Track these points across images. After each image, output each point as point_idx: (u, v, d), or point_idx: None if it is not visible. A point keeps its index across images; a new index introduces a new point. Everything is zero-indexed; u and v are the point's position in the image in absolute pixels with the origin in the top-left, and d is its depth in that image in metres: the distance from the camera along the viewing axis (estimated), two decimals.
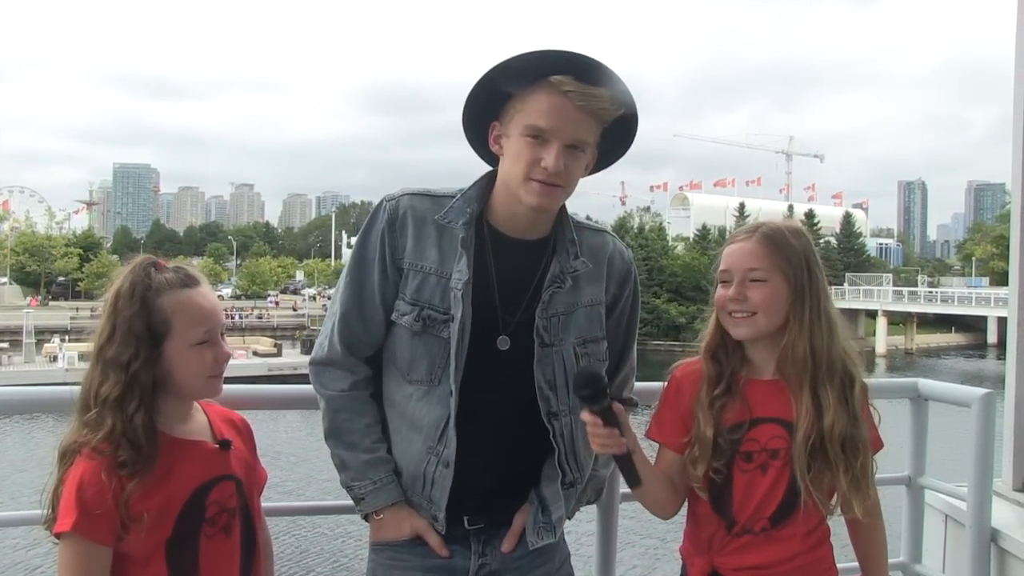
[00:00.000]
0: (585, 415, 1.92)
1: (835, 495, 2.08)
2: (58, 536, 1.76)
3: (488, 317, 2.01)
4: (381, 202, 2.09)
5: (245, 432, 2.07)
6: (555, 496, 2.07)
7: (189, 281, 1.90)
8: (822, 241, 73.88)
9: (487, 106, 2.00)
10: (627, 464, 1.99)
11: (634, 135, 2.08)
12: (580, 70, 1.91)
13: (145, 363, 1.81)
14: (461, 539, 2.05)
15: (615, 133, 2.04)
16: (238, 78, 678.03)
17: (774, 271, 2.08)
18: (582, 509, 2.29)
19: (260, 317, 63.00)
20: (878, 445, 2.18)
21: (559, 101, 1.90)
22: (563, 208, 2.09)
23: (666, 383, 2.24)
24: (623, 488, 2.63)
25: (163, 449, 1.83)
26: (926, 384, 2.81)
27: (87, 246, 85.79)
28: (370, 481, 2.04)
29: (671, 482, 2.14)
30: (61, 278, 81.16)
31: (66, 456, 1.80)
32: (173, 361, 1.85)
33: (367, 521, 2.11)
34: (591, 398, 1.93)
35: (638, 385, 2.68)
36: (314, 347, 2.14)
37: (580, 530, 2.63)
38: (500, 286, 2.03)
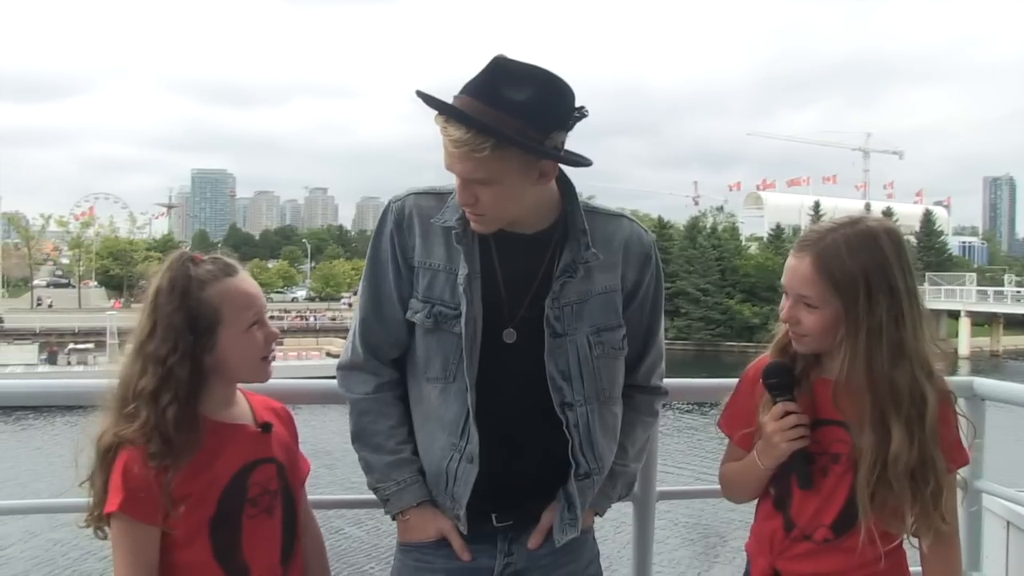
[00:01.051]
0: (784, 406, 2.02)
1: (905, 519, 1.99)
2: (108, 517, 1.82)
3: (494, 311, 2.00)
4: (388, 204, 2.10)
5: (287, 420, 2.11)
6: (588, 500, 2.05)
7: (229, 270, 1.95)
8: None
9: None
10: (805, 464, 2.04)
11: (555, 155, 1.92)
12: (448, 111, 1.83)
13: (183, 358, 1.85)
14: (488, 538, 2.04)
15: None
16: (307, 84, 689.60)
17: (826, 299, 1.98)
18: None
19: (333, 319, 64.40)
20: (960, 459, 2.08)
21: (445, 142, 1.85)
22: (573, 196, 2.05)
23: (740, 377, 2.22)
24: (660, 487, 2.60)
25: (207, 433, 1.88)
26: (982, 383, 2.67)
27: (167, 250, 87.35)
28: (394, 482, 2.04)
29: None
30: (143, 281, 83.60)
31: (110, 449, 1.85)
32: (228, 348, 1.90)
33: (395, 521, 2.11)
34: (779, 388, 2.03)
35: (710, 382, 2.66)
36: (341, 353, 2.17)
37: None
38: (505, 280, 2.01)
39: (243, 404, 2.02)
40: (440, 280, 2.01)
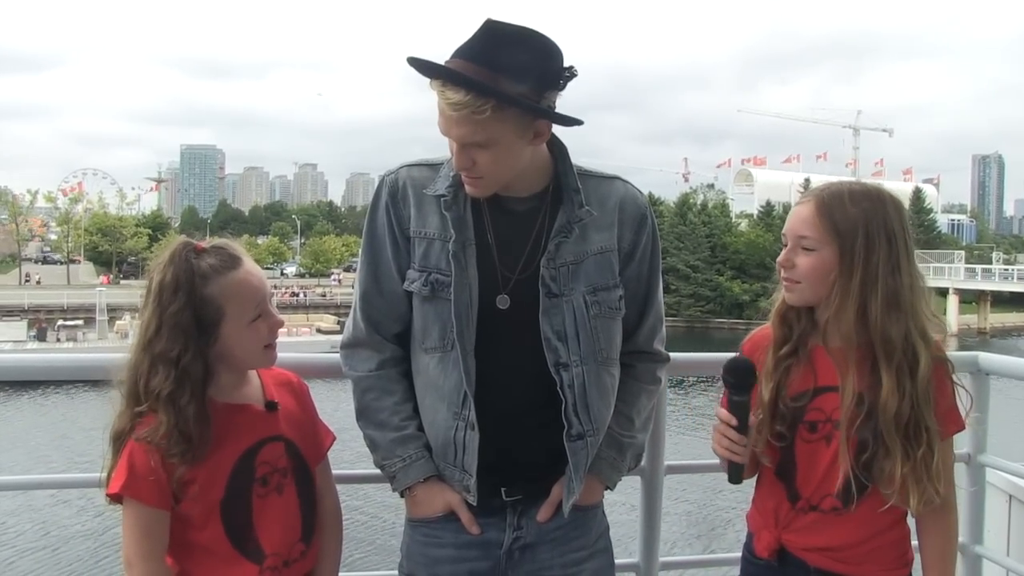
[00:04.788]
0: (723, 412, 2.02)
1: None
2: (115, 500, 1.83)
3: (489, 277, 2.01)
4: (382, 178, 2.11)
5: (301, 392, 2.10)
6: (583, 461, 2.04)
7: (233, 262, 1.91)
8: None
9: None
10: (737, 467, 2.04)
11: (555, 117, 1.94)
12: (448, 75, 1.84)
13: (195, 356, 1.84)
14: (497, 511, 2.04)
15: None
16: (287, 58, 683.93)
17: (824, 240, 2.00)
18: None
19: (323, 295, 64.00)
20: (954, 426, 2.07)
21: (441, 106, 1.86)
22: (565, 158, 2.06)
23: (738, 352, 2.20)
24: (668, 460, 2.60)
25: (214, 415, 1.87)
26: (987, 358, 2.69)
27: (156, 226, 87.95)
28: (399, 459, 2.04)
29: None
30: (131, 257, 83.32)
31: (119, 437, 1.85)
32: (231, 340, 1.89)
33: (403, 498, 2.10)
34: (735, 387, 2.01)
35: (699, 356, 2.66)
36: (343, 332, 2.16)
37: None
38: (498, 246, 2.03)
39: (254, 382, 2.01)
40: (436, 248, 2.02)
